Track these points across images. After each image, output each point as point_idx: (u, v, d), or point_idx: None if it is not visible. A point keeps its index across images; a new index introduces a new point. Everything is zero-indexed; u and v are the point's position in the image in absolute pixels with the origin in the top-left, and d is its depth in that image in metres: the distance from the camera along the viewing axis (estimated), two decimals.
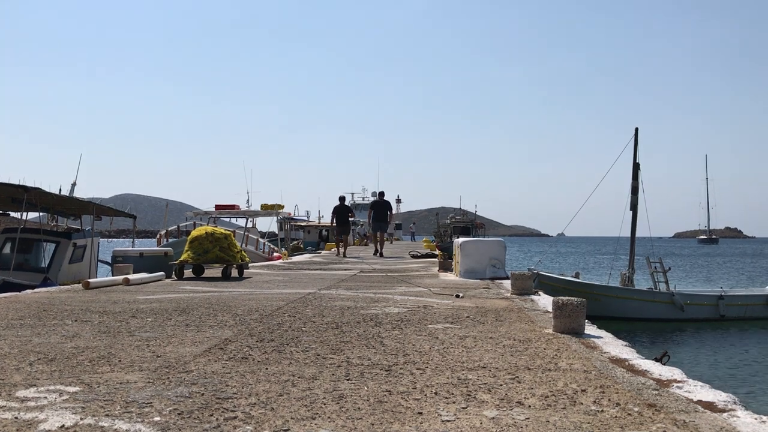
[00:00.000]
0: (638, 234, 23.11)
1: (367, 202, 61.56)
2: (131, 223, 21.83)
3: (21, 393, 3.22)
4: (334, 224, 21.77)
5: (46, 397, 3.14)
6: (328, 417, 2.86)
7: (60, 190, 18.17)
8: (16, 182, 15.20)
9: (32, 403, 3.03)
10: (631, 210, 22.81)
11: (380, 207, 21.35)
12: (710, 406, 3.07)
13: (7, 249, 16.26)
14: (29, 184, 15.17)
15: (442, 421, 2.82)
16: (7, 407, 2.96)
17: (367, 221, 23.59)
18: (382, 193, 22.03)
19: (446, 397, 3.21)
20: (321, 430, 2.67)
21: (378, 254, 20.83)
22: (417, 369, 3.87)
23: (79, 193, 19.45)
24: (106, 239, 21.42)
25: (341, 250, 21.38)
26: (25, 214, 18.00)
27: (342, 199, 22.46)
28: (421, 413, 2.93)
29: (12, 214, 18.68)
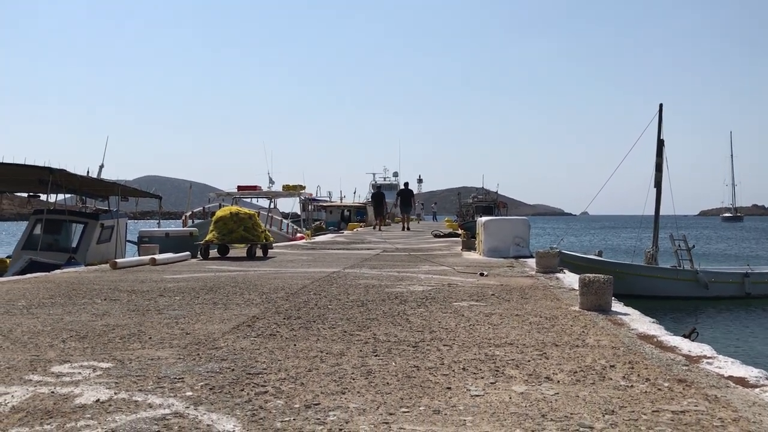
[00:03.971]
0: (662, 212, 22.85)
1: (389, 182, 62.84)
2: (156, 205, 22.01)
3: (56, 369, 3.29)
4: (374, 206, 29.80)
5: (80, 373, 3.20)
6: (358, 392, 2.88)
7: (88, 172, 18.37)
8: (41, 165, 15.37)
9: (67, 378, 3.10)
10: (655, 187, 22.53)
11: (405, 194, 27.93)
12: (742, 381, 3.04)
13: (37, 230, 16.51)
14: (56, 166, 15.34)
15: (472, 395, 2.83)
16: (44, 382, 3.03)
17: (394, 204, 31.31)
18: (407, 183, 29.14)
19: (474, 373, 3.22)
20: (351, 405, 2.69)
21: (406, 229, 26.58)
22: (444, 345, 3.88)
23: (105, 176, 19.64)
24: (133, 221, 21.62)
25: (379, 225, 28.46)
26: (54, 195, 18.21)
27: (379, 187, 34.02)
28: (449, 388, 2.94)
29: (42, 196, 18.93)
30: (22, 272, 11.06)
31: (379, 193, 29.72)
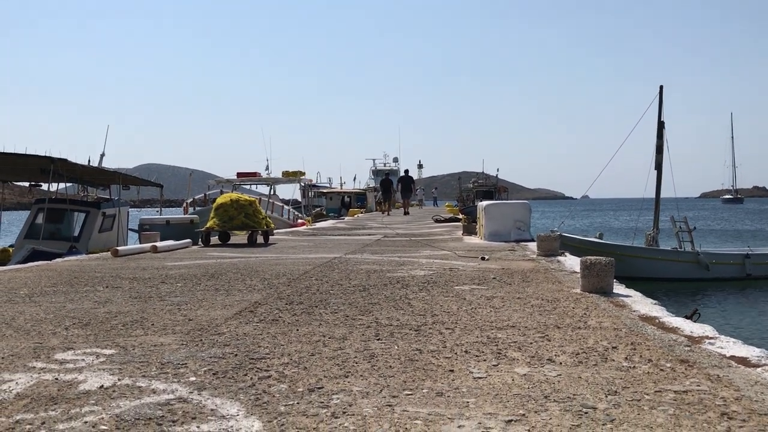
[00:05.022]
0: (663, 194, 22.80)
1: (389, 168, 63.63)
2: (156, 193, 22.01)
3: (59, 356, 3.30)
4: (382, 191, 32.16)
5: (83, 360, 3.21)
6: (361, 375, 2.89)
7: (89, 161, 18.37)
8: (42, 154, 15.35)
9: (71, 365, 3.10)
10: (655, 169, 22.47)
11: (406, 181, 30.57)
12: (744, 361, 3.05)
13: (39, 219, 16.53)
14: (57, 156, 15.33)
15: (474, 378, 2.83)
16: (47, 369, 3.04)
17: (395, 190, 33.38)
18: (407, 170, 31.94)
19: (477, 356, 3.22)
20: (354, 388, 2.70)
21: (406, 213, 29.10)
22: (446, 329, 3.89)
23: (105, 164, 19.65)
24: (134, 209, 21.63)
25: (385, 209, 30.45)
26: (56, 184, 18.21)
27: (387, 174, 35.03)
28: (452, 371, 2.95)
29: (44, 185, 18.94)
30: (25, 262, 11.07)
31: (387, 179, 32.24)
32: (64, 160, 15.46)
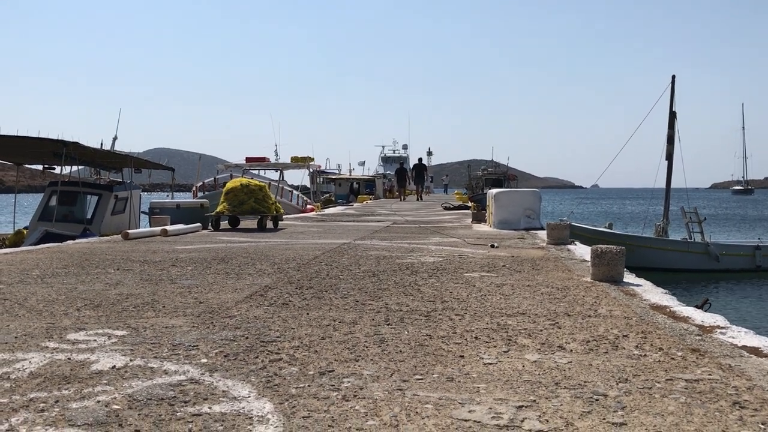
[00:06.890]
0: (674, 185, 22.68)
1: (398, 155, 64.21)
2: (166, 177, 22.04)
3: (72, 336, 3.32)
4: (397, 179, 35.19)
5: (95, 340, 3.23)
6: (371, 359, 2.90)
7: (101, 144, 18.44)
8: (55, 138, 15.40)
9: (83, 346, 3.13)
10: (666, 160, 22.34)
11: (419, 168, 33.08)
12: (756, 351, 3.03)
13: (53, 201, 16.64)
14: (70, 139, 15.39)
15: (485, 363, 2.83)
16: (60, 349, 3.06)
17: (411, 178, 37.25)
18: (420, 159, 34.30)
19: (487, 342, 3.22)
20: (365, 372, 2.70)
21: (419, 199, 31.66)
22: (456, 315, 3.89)
23: (116, 148, 19.72)
24: (145, 193, 21.71)
25: (401, 196, 33.31)
26: (69, 167, 18.29)
27: (402, 163, 38.60)
28: (462, 356, 2.95)
29: (57, 168, 19.02)
30: (38, 244, 11.14)
31: (402, 167, 34.73)
32: (77, 144, 15.53)
